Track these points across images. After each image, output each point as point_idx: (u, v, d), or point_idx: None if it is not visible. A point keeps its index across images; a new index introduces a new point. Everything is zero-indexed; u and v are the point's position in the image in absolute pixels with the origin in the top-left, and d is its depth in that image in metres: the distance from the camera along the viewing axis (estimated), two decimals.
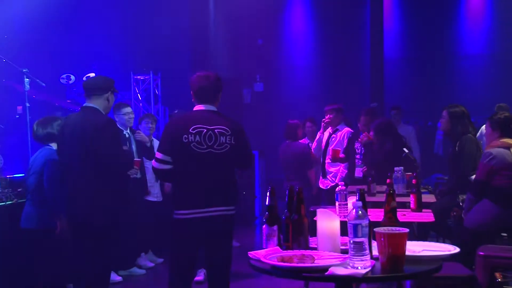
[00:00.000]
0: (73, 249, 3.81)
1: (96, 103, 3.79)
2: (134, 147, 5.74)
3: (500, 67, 10.90)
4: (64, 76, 8.38)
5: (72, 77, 8.33)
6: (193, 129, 3.30)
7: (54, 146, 4.24)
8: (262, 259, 2.18)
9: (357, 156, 6.02)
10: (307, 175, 6.29)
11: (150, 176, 5.91)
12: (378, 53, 9.72)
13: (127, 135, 5.74)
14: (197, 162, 3.29)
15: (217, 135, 3.33)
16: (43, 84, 5.84)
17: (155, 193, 6.15)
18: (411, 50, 11.67)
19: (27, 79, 5.60)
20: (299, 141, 6.47)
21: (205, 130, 3.32)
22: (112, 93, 3.88)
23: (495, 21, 11.34)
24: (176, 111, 6.17)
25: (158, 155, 3.33)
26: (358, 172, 5.95)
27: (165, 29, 9.16)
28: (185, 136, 3.28)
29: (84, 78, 8.59)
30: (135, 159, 5.53)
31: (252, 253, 2.30)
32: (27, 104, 5.54)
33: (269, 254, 2.24)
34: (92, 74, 8.59)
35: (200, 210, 3.28)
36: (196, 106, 3.44)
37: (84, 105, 3.84)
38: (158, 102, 8.94)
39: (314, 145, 6.54)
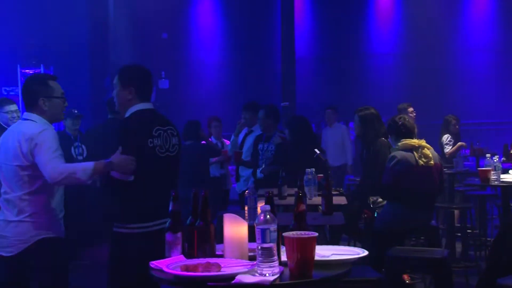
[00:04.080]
0: None
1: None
2: None
3: (411, 66, 11.56)
4: None
5: None
6: (156, 131, 3.16)
7: None
8: (165, 269, 2.15)
9: (260, 158, 6.10)
10: (209, 178, 6.35)
11: None
12: (289, 51, 9.94)
13: None
14: (159, 168, 3.13)
15: (170, 136, 3.23)
16: None
17: None
18: (322, 49, 12.07)
19: None
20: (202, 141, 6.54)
21: (162, 131, 3.20)
22: None
23: (405, 20, 12.01)
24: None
25: None
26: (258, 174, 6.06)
27: (59, 18, 8.80)
28: (150, 140, 3.12)
29: None
30: None
31: (154, 263, 2.26)
32: None
33: (172, 263, 2.22)
34: None
35: (158, 222, 3.10)
36: (138, 105, 3.21)
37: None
38: None
39: (228, 147, 6.60)
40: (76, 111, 6.42)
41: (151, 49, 10.64)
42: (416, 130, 4.69)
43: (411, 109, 7.77)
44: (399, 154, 4.49)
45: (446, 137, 7.81)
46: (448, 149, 7.72)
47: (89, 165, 3.08)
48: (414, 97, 10.12)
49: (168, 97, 10.95)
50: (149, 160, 3.12)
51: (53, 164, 3.03)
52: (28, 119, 3.23)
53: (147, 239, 3.10)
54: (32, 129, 3.13)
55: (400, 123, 4.63)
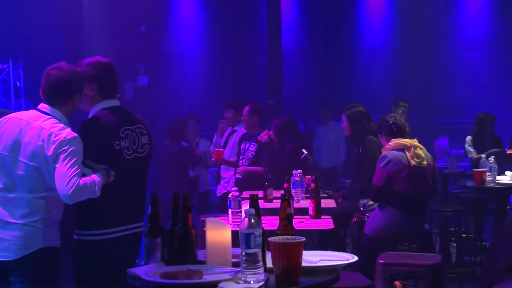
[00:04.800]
0: None
1: None
2: None
3: (403, 61, 11.60)
4: None
5: None
6: (123, 132, 3.13)
7: None
8: (143, 277, 2.15)
9: (241, 157, 6.14)
10: (186, 180, 6.40)
11: None
12: (275, 45, 9.93)
13: None
14: (126, 171, 3.12)
15: (139, 135, 3.21)
16: None
17: None
18: (310, 43, 12.09)
19: None
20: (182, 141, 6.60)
21: (130, 131, 3.17)
22: None
23: (397, 13, 12.07)
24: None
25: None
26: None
27: (29, 8, 8.72)
28: (117, 142, 3.09)
29: None
30: None
31: (131, 270, 2.26)
32: None
33: (151, 270, 2.22)
34: None
35: (126, 227, 3.10)
36: (103, 103, 3.18)
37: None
38: (20, 96, 8.50)
39: (211, 148, 6.64)
40: None
41: (128, 43, 10.56)
42: (407, 129, 4.74)
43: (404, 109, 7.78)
44: (390, 153, 4.53)
45: (467, 139, 7.42)
46: (472, 154, 7.23)
47: (98, 177, 2.97)
48: (406, 95, 10.17)
49: (147, 94, 10.89)
50: (115, 163, 3.09)
51: (73, 182, 2.85)
52: (50, 115, 3.01)
53: (115, 246, 3.08)
54: (62, 131, 2.94)
55: (391, 121, 4.68)
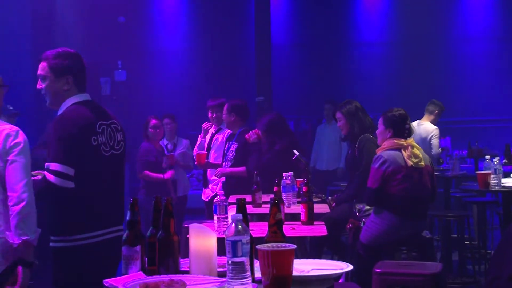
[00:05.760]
0: None
1: None
2: None
3: (403, 56, 11.67)
4: None
5: None
6: (99, 127, 3.16)
7: None
8: None
9: (224, 159, 6.17)
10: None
11: None
12: (264, 38, 9.96)
13: None
14: (104, 169, 3.15)
15: (114, 131, 3.25)
16: None
17: None
18: (302, 36, 12.11)
19: None
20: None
21: (106, 126, 3.20)
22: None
23: (396, 5, 12.13)
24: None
25: (59, 167, 2.99)
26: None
27: None
28: (94, 137, 3.11)
29: None
30: None
31: (108, 281, 2.25)
32: None
33: (129, 281, 2.21)
34: None
35: (107, 230, 3.12)
36: (75, 97, 3.19)
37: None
38: None
39: (195, 150, 6.67)
40: (11, 108, 6.28)
41: (105, 34, 10.54)
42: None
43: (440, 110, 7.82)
44: (385, 153, 4.55)
45: None
46: None
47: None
48: (405, 91, 10.26)
49: (127, 90, 10.88)
50: (92, 160, 3.11)
51: (28, 180, 2.91)
52: None
53: (95, 252, 3.09)
54: (2, 123, 2.97)
55: (407, 126, 4.68)
